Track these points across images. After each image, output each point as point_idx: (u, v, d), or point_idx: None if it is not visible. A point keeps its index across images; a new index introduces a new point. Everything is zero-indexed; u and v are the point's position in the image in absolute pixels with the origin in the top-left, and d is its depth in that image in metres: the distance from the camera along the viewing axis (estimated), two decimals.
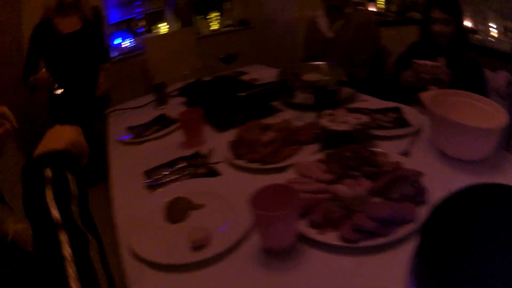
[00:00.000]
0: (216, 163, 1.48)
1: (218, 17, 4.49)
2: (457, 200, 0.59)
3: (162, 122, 2.08)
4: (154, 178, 1.45)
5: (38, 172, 0.85)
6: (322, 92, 1.67)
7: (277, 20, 4.22)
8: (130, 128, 2.08)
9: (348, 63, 2.35)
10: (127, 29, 4.25)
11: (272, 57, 4.08)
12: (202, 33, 4.43)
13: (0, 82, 2.98)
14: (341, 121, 1.42)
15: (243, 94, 1.74)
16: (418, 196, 1.05)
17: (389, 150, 1.33)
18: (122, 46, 4.20)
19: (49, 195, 0.79)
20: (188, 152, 1.63)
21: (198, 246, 1.04)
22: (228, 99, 1.84)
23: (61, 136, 0.99)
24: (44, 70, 2.61)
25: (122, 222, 1.24)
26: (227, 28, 4.51)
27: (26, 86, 2.78)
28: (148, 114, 2.25)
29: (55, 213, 0.76)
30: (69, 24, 2.89)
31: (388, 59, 2.62)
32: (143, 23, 4.29)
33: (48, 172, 0.84)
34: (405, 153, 1.34)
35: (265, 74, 2.55)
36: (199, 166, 1.47)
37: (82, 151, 1.02)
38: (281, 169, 1.33)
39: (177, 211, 1.20)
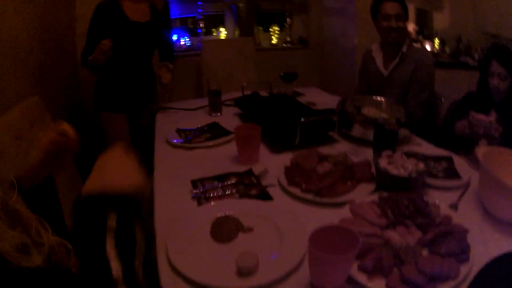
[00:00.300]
0: (269, 186, 1.44)
1: (279, 32, 4.47)
2: (503, 264, 0.57)
3: (214, 131, 2.05)
4: (202, 190, 1.42)
5: (97, 214, 0.78)
6: (383, 130, 1.62)
7: (336, 43, 4.17)
8: (180, 131, 2.07)
9: (403, 104, 2.30)
10: (185, 27, 4.26)
11: (328, 81, 4.06)
12: (261, 45, 4.43)
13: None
14: (399, 165, 1.37)
15: (304, 119, 1.70)
16: (462, 253, 1.03)
17: (438, 200, 1.27)
18: (180, 43, 4.21)
19: (111, 243, 0.73)
20: (240, 168, 1.59)
21: (244, 273, 1.00)
22: (288, 121, 1.80)
23: (126, 176, 0.88)
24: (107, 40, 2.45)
25: (162, 228, 1.22)
26: (286, 45, 4.48)
27: (85, 66, 2.61)
28: (199, 119, 2.25)
29: (115, 266, 0.71)
30: (138, 12, 2.69)
31: (439, 103, 2.56)
32: (202, 24, 4.29)
33: (113, 220, 0.76)
34: (454, 206, 1.29)
35: (321, 98, 2.53)
36: (251, 186, 1.44)
37: (146, 196, 0.94)
38: (336, 205, 1.29)
39: (225, 230, 1.17)
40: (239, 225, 1.18)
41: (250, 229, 1.18)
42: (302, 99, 2.39)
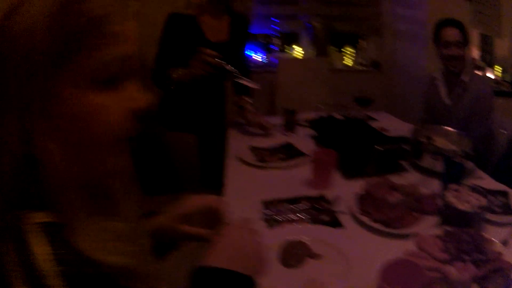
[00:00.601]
0: (340, 212, 1.46)
1: (353, 54, 4.46)
2: None
3: (288, 152, 2.09)
4: (273, 212, 1.46)
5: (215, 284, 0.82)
6: (452, 163, 1.61)
7: (408, 68, 4.12)
8: (254, 149, 2.12)
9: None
10: (260, 43, 4.33)
11: (397, 106, 4.01)
12: (335, 66, 4.42)
13: None
14: (464, 199, 1.36)
15: (381, 148, 1.71)
16: None
17: (491, 235, 1.25)
18: (253, 59, 4.29)
19: None
20: (312, 192, 1.61)
21: None
22: (363, 148, 1.81)
23: (249, 257, 0.89)
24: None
25: None
26: (359, 67, 4.46)
27: (160, 81, 2.36)
28: (273, 138, 2.30)
29: None
30: (217, 30, 2.50)
31: (498, 133, 2.49)
32: (278, 41, 4.35)
33: None
34: (504, 242, 1.26)
35: (392, 125, 2.53)
36: (322, 211, 1.47)
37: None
38: (402, 236, 1.29)
39: (294, 255, 1.20)
40: (308, 251, 1.21)
41: (318, 256, 1.20)
42: (375, 125, 2.39)
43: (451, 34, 2.41)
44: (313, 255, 1.21)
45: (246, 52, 2.89)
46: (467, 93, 2.42)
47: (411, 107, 3.78)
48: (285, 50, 4.43)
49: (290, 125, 2.41)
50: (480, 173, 1.86)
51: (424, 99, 2.76)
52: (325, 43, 4.42)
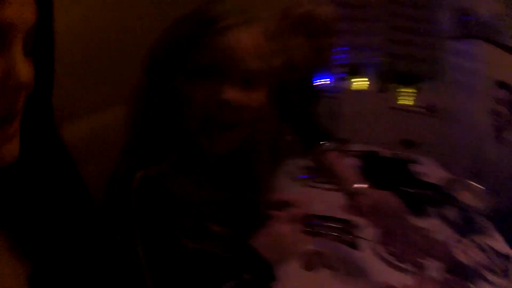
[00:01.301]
0: (361, 238, 1.74)
1: (412, 94, 4.54)
2: None
3: None
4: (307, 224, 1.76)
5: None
6: (468, 218, 1.86)
7: (461, 118, 4.21)
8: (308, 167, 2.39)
9: None
10: (327, 69, 4.41)
11: (446, 153, 4.00)
12: (394, 104, 4.50)
13: None
14: (469, 253, 1.61)
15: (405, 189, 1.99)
16: None
17: None
18: (317, 82, 4.45)
19: None
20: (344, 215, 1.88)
21: None
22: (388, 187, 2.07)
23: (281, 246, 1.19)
24: None
25: None
26: (416, 108, 4.51)
27: None
28: None
29: None
30: None
31: None
32: (345, 69, 4.52)
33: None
34: None
35: (433, 170, 2.63)
36: (345, 232, 1.76)
37: None
38: (406, 270, 1.55)
39: (312, 261, 1.52)
40: (325, 261, 1.53)
41: (337, 269, 1.51)
42: (415, 167, 2.59)
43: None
44: (330, 266, 1.51)
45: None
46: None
47: (457, 157, 3.94)
48: (351, 79, 4.57)
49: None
50: (495, 233, 1.98)
51: (470, 151, 2.95)
52: (387, 80, 4.56)
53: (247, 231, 1.20)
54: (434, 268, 1.59)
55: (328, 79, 4.48)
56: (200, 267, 1.02)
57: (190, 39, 1.01)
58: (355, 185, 1.66)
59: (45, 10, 0.78)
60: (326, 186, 2.18)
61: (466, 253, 1.61)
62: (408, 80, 4.55)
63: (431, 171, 2.58)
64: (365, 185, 1.66)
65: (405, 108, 4.51)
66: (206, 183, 1.12)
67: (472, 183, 2.26)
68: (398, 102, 4.58)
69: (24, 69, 0.69)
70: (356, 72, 4.56)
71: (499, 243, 1.92)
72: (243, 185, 1.19)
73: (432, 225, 1.92)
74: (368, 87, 4.57)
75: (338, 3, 3.84)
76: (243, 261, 1.11)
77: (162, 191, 1.00)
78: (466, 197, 2.11)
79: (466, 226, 1.84)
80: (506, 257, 1.77)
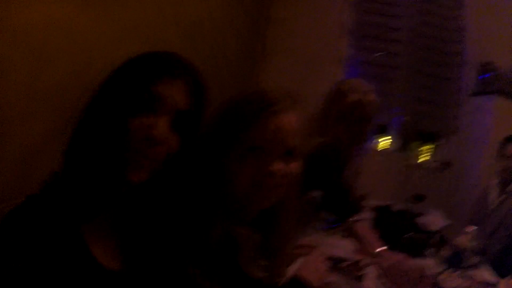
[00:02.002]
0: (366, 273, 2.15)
1: (429, 150, 4.60)
2: None
3: None
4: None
5: None
6: (457, 255, 2.31)
7: (470, 173, 4.39)
8: None
9: None
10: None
11: (451, 205, 4.16)
12: (413, 161, 4.62)
13: None
14: (452, 283, 2.06)
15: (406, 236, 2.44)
16: None
17: None
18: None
19: None
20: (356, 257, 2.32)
21: None
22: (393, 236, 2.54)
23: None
24: None
25: None
26: (433, 164, 4.61)
27: None
28: None
29: None
30: None
31: None
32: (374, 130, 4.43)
33: None
34: None
35: (436, 221, 2.97)
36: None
37: None
38: None
39: None
40: None
41: None
42: (420, 219, 2.98)
43: None
44: None
45: None
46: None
47: (460, 206, 4.13)
48: (378, 139, 4.63)
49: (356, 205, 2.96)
50: (486, 266, 2.38)
51: (473, 202, 3.26)
52: (408, 138, 4.75)
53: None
54: None
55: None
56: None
57: (247, 120, 1.24)
58: (378, 250, 2.18)
59: (198, 102, 1.15)
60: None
61: (453, 281, 2.01)
62: (428, 137, 4.65)
63: (433, 220, 2.94)
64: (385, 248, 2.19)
65: (422, 165, 4.62)
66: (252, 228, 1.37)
67: (468, 227, 2.58)
68: (417, 160, 4.65)
69: (162, 129, 1.04)
70: (383, 131, 4.64)
71: (488, 274, 2.30)
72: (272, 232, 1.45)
73: (427, 264, 2.30)
74: (392, 145, 4.75)
75: None
76: None
77: (231, 239, 1.28)
78: (461, 239, 2.46)
79: (458, 262, 2.24)
80: (493, 285, 2.17)
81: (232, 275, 1.25)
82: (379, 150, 4.57)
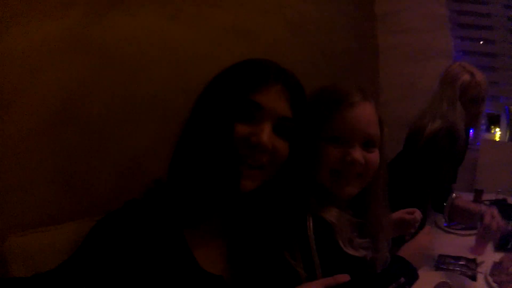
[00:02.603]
0: (479, 272, 2.16)
1: None
2: None
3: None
4: (441, 262, 2.31)
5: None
6: None
7: None
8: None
9: None
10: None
11: None
12: None
13: None
14: None
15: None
16: None
17: None
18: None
19: None
20: (470, 255, 2.34)
21: None
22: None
23: (421, 253, 1.72)
24: None
25: None
26: None
27: None
28: None
29: None
30: None
31: None
32: (483, 120, 4.49)
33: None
34: None
35: None
36: (470, 269, 2.24)
37: None
38: None
39: None
40: None
41: None
42: None
43: None
44: None
45: None
46: None
47: None
48: (490, 130, 4.66)
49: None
50: None
51: None
52: None
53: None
54: None
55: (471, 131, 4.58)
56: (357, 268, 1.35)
57: (326, 113, 1.36)
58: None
59: (299, 108, 1.21)
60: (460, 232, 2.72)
61: None
62: None
63: None
64: None
65: None
66: (348, 211, 1.47)
67: None
68: None
69: (266, 136, 1.08)
70: (495, 122, 4.65)
71: None
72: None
73: None
74: (503, 136, 4.60)
75: None
76: (397, 268, 1.55)
77: (326, 222, 1.33)
78: None
79: None
80: None
81: (333, 257, 1.29)
82: (492, 141, 4.49)
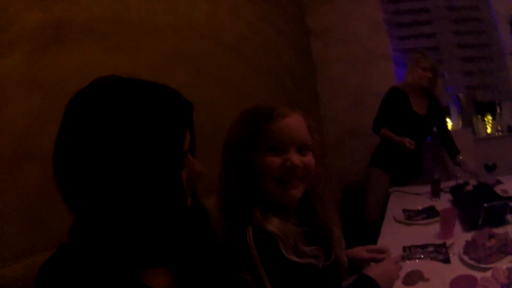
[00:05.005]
0: (452, 254, 2.10)
1: (492, 121, 4.66)
2: None
3: (429, 213, 2.74)
4: (408, 253, 2.21)
5: None
6: None
7: None
8: (405, 210, 2.86)
9: None
10: None
11: None
12: (479, 135, 4.68)
13: None
14: None
15: (487, 205, 2.28)
16: None
17: None
18: None
19: None
20: (438, 241, 2.28)
21: None
22: (475, 206, 2.42)
23: (389, 277, 1.68)
24: None
25: None
26: (498, 134, 4.65)
27: (376, 133, 3.90)
28: (422, 202, 2.99)
29: None
30: (420, 105, 3.86)
31: None
32: None
33: None
34: None
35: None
36: (440, 253, 2.15)
37: None
38: (486, 269, 1.86)
39: (411, 278, 1.92)
40: (421, 276, 1.94)
41: (427, 279, 1.90)
42: (498, 187, 2.92)
43: None
44: (424, 279, 1.90)
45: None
46: None
47: None
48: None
49: (435, 192, 3.05)
50: None
51: None
52: (469, 114, 4.77)
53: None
54: (508, 261, 1.93)
55: None
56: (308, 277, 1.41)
57: (258, 126, 1.45)
58: None
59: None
60: (422, 222, 2.69)
61: None
62: (486, 108, 4.73)
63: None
64: None
65: (487, 137, 4.67)
66: (292, 221, 1.51)
67: None
68: (484, 132, 4.71)
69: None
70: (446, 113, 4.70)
71: None
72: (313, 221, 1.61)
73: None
74: (455, 126, 4.79)
75: None
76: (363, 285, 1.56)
77: (267, 233, 1.38)
78: None
79: None
80: None
81: (279, 266, 1.35)
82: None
